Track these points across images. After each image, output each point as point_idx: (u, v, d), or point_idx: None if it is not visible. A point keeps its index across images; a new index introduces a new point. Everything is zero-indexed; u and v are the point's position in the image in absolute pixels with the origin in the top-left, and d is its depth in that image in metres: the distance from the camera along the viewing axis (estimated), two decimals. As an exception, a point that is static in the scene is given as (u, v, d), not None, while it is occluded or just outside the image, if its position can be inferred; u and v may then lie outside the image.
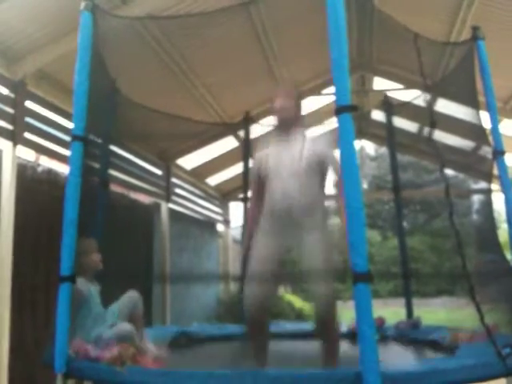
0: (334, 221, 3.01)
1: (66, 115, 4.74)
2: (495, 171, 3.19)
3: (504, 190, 3.13)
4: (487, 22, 4.52)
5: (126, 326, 2.98)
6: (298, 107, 3.20)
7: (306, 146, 3.02)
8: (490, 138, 3.22)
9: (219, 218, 10.03)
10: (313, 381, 1.95)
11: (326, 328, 2.83)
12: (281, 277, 3.08)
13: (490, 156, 3.15)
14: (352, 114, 2.15)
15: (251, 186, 3.38)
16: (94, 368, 2.35)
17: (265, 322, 3.00)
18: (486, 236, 3.24)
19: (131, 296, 3.14)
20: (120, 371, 2.20)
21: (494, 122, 3.23)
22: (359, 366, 1.87)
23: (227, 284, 9.73)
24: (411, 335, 3.82)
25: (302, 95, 3.33)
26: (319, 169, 2.98)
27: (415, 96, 4.66)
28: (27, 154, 4.68)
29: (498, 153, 3.13)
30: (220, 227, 10.36)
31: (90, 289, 2.99)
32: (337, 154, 2.82)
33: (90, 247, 3.04)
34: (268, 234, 3.00)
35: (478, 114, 3.23)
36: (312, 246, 2.83)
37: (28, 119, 4.39)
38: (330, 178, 3.01)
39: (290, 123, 3.12)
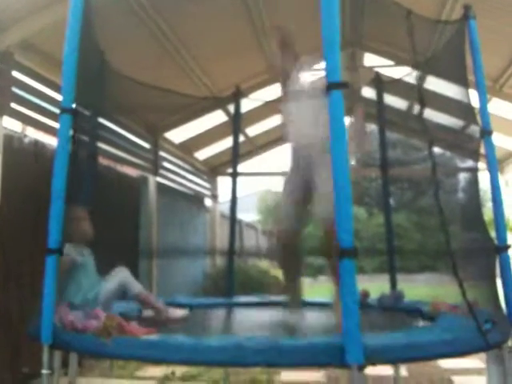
0: None
1: (53, 86, 4.68)
2: (482, 150, 3.21)
3: (490, 169, 3.16)
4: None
5: (118, 277, 3.07)
6: (294, 53, 3.45)
7: (315, 82, 3.28)
8: (479, 117, 3.23)
9: (207, 192, 10.03)
10: (296, 352, 1.99)
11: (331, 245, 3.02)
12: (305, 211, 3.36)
13: (477, 135, 3.17)
14: (343, 90, 2.15)
15: None
16: (81, 340, 2.36)
17: (297, 246, 3.38)
18: (471, 214, 3.28)
19: (118, 272, 3.17)
20: (106, 343, 2.22)
21: (483, 101, 3.24)
22: (342, 338, 1.91)
23: (214, 258, 9.79)
24: (394, 307, 3.89)
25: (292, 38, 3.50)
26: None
27: (406, 73, 4.65)
28: (14, 125, 4.63)
29: (486, 132, 3.15)
30: (208, 202, 10.37)
31: (83, 255, 3.01)
32: None
33: (82, 215, 3.05)
34: (292, 170, 3.43)
35: (467, 93, 3.24)
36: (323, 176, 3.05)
37: (15, 89, 4.33)
38: None
39: (290, 72, 3.45)
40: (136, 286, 3.13)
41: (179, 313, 3.27)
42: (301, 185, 3.33)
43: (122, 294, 3.10)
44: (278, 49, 3.40)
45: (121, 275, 3.09)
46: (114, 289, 3.03)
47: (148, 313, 3.20)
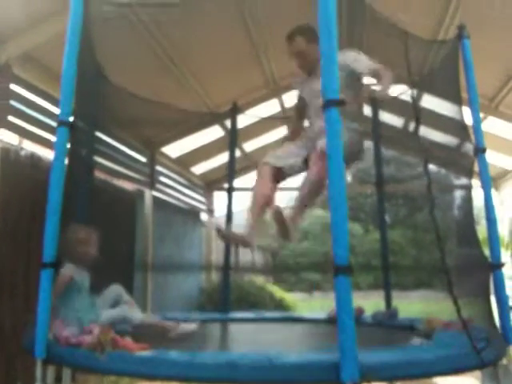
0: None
1: (51, 99, 4.70)
2: (476, 168, 3.24)
3: (484, 186, 3.19)
4: (476, 19, 4.55)
5: (124, 309, 3.06)
6: (314, 42, 3.26)
7: None
8: (472, 135, 3.26)
9: (203, 207, 10.03)
10: (291, 369, 1.99)
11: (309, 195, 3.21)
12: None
13: (471, 153, 3.19)
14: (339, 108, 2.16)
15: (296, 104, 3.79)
16: (74, 354, 2.35)
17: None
18: (465, 231, 3.30)
19: (113, 290, 3.18)
20: (100, 357, 2.21)
21: (477, 119, 3.28)
22: (338, 355, 1.90)
23: (210, 273, 9.76)
24: (388, 324, 3.89)
25: (308, 34, 3.41)
26: (350, 80, 3.14)
27: (401, 91, 4.69)
28: (11, 138, 4.64)
29: (479, 150, 3.18)
30: (204, 216, 10.37)
31: (82, 277, 3.00)
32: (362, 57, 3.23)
33: (91, 239, 3.05)
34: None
35: (460, 112, 3.27)
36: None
37: (12, 102, 4.35)
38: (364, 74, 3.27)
39: (310, 62, 3.37)
40: (137, 316, 3.09)
41: (190, 327, 3.24)
42: (304, 145, 3.39)
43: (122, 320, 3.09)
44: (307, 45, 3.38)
45: (119, 310, 3.06)
46: (112, 319, 3.01)
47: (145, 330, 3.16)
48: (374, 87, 3.20)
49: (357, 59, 3.22)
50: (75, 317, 2.84)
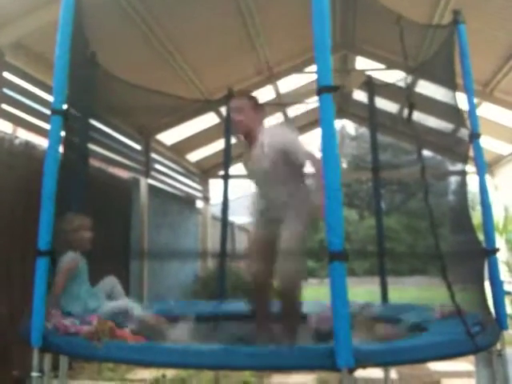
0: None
1: (45, 87, 4.67)
2: (471, 153, 3.23)
3: (479, 172, 3.19)
4: (470, 4, 4.53)
5: (125, 301, 3.14)
6: (253, 115, 3.39)
7: (265, 144, 3.26)
8: (467, 121, 3.26)
9: (199, 194, 10.02)
10: (287, 355, 2.00)
11: (285, 305, 3.23)
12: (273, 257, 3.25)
13: (466, 138, 3.19)
14: (333, 94, 2.15)
15: None
16: (71, 343, 2.35)
17: (267, 289, 3.44)
18: (460, 217, 3.30)
19: (108, 281, 3.21)
20: (96, 346, 2.21)
21: (472, 105, 3.27)
22: (333, 342, 1.91)
23: (205, 261, 9.78)
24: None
25: (254, 101, 3.47)
26: (285, 158, 3.19)
27: (399, 79, 4.66)
28: (4, 126, 4.62)
29: (475, 135, 3.17)
30: (199, 204, 10.36)
31: (82, 263, 3.04)
32: (295, 140, 3.27)
33: (83, 225, 3.08)
34: (257, 226, 3.49)
35: (456, 97, 3.26)
36: (285, 232, 3.16)
37: (6, 90, 4.32)
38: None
39: (247, 132, 3.39)
40: (136, 311, 3.12)
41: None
42: (266, 237, 3.34)
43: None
44: (249, 110, 3.39)
45: (123, 302, 3.12)
46: (114, 310, 3.05)
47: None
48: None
49: (295, 146, 3.22)
50: (78, 302, 2.88)
